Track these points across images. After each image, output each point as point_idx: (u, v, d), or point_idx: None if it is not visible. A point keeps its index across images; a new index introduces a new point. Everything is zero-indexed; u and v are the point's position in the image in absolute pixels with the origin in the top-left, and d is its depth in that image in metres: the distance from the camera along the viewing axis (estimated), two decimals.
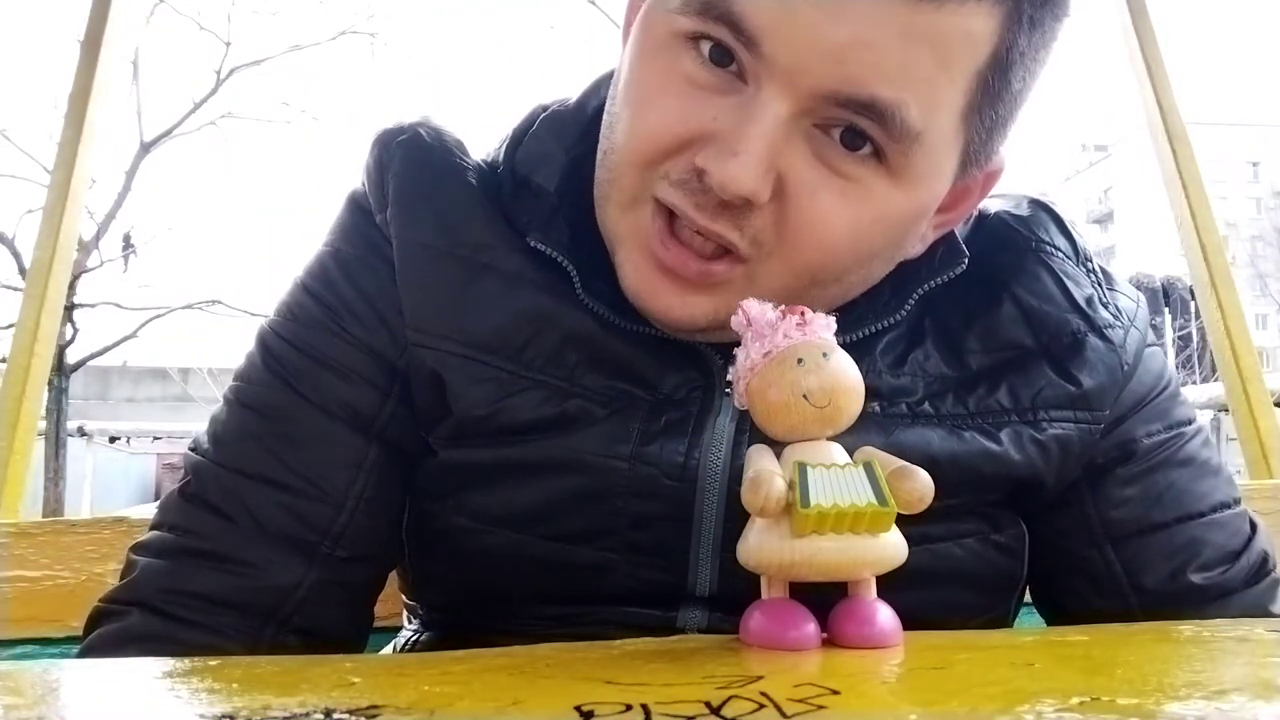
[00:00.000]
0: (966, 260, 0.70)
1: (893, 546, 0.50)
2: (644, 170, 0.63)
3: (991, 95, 0.61)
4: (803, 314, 0.54)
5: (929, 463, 0.60)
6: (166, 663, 0.49)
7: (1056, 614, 0.78)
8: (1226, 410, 1.53)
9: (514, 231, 0.70)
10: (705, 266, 0.62)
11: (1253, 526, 0.75)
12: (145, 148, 9.69)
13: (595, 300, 0.68)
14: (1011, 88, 0.62)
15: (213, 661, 0.48)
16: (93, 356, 9.64)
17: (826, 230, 0.61)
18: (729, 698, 0.36)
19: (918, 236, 0.68)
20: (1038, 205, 0.76)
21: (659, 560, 0.67)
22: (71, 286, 7.48)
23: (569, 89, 0.77)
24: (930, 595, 0.61)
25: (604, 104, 0.69)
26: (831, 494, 0.48)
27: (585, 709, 0.35)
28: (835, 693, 0.38)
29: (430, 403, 0.70)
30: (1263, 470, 1.43)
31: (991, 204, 0.76)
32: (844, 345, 0.55)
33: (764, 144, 0.58)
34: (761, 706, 0.35)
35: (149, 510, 0.75)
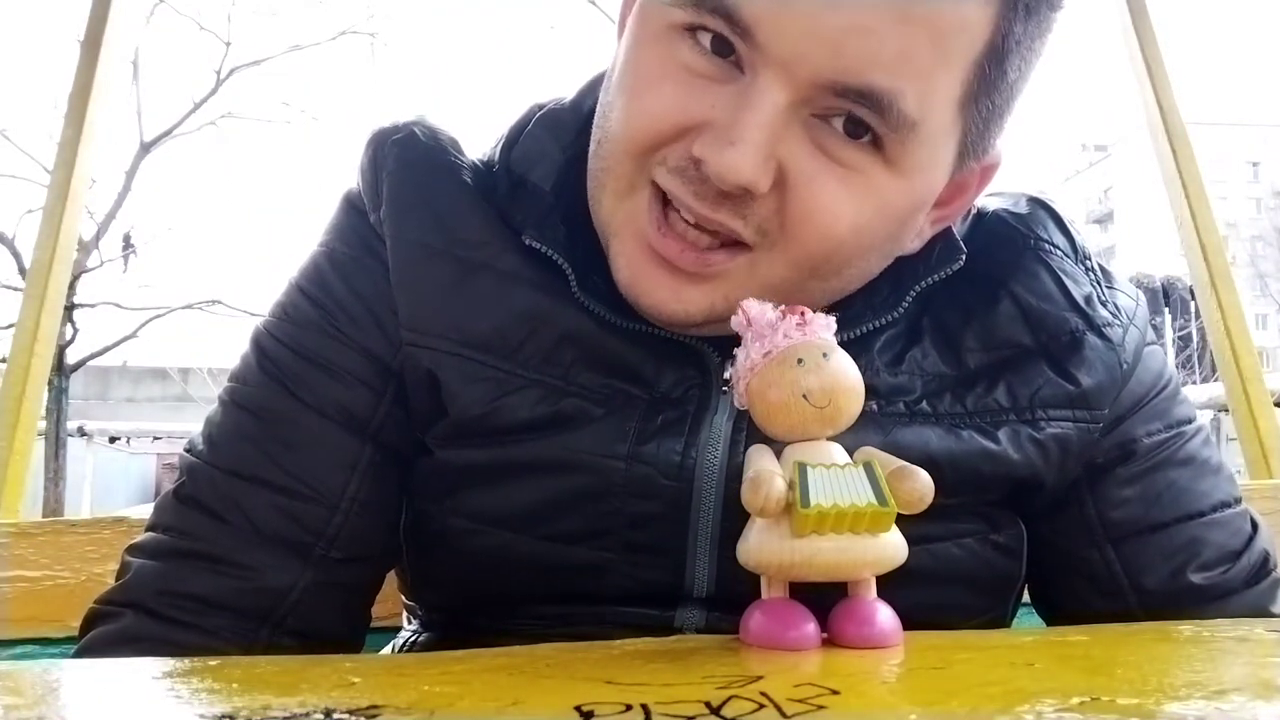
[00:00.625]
0: (964, 257, 0.70)
1: (893, 546, 0.50)
2: (640, 157, 0.63)
3: (988, 84, 0.61)
4: (803, 314, 0.54)
5: (927, 462, 0.60)
6: (166, 663, 0.49)
7: (1055, 614, 0.78)
8: (1226, 410, 1.52)
9: (509, 230, 0.70)
10: (702, 256, 0.62)
11: (1254, 525, 0.75)
12: (145, 148, 9.69)
13: (591, 298, 0.68)
14: (1008, 77, 0.62)
15: (212, 661, 0.48)
16: (93, 356, 9.64)
17: (829, 219, 0.61)
18: (729, 698, 0.36)
19: (915, 230, 0.67)
20: (1036, 203, 0.76)
21: (656, 560, 0.67)
22: (71, 286, 7.48)
23: (569, 89, 0.77)
24: (929, 595, 0.61)
25: None
26: (831, 494, 0.48)
27: (585, 709, 0.35)
28: (835, 693, 0.38)
29: (426, 403, 0.70)
30: (1263, 470, 1.43)
31: (990, 202, 0.76)
32: (842, 343, 0.55)
33: (762, 133, 0.58)
34: (761, 706, 0.35)
35: (149, 510, 0.75)
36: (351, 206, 0.74)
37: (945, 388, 0.69)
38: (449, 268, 0.69)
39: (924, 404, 0.68)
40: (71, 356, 8.83)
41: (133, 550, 0.71)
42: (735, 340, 0.56)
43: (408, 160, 0.72)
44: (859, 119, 0.59)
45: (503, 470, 0.69)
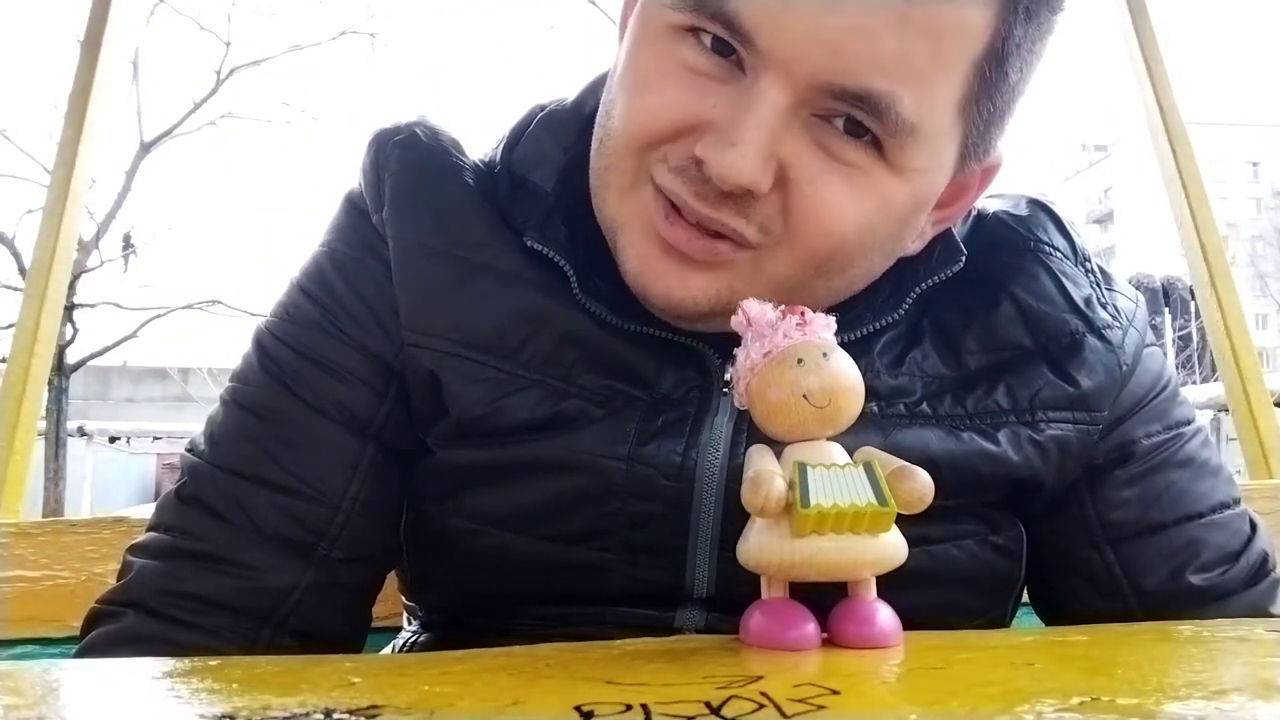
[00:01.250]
0: (964, 259, 0.70)
1: (893, 546, 0.50)
2: (642, 154, 0.63)
3: (989, 87, 0.61)
4: (803, 314, 0.54)
5: (927, 464, 0.59)
6: (166, 663, 0.49)
7: (1055, 615, 0.78)
8: (1226, 410, 1.52)
9: (510, 231, 0.70)
10: (710, 244, 0.62)
11: (1253, 526, 0.75)
12: (145, 148, 9.69)
13: (592, 300, 0.68)
14: (1009, 79, 0.62)
15: (213, 661, 0.48)
16: (93, 356, 9.64)
17: (832, 217, 0.61)
18: (729, 698, 0.36)
19: (917, 231, 0.68)
20: (1036, 205, 0.76)
21: (657, 560, 0.67)
22: (71, 286, 7.48)
23: (569, 89, 0.77)
24: (929, 597, 0.61)
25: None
26: (831, 494, 0.48)
27: (585, 709, 0.35)
28: (835, 693, 0.38)
29: (427, 403, 0.70)
30: (1263, 470, 1.43)
31: (990, 204, 0.76)
32: (843, 345, 0.55)
33: (762, 134, 0.58)
34: (761, 706, 0.35)
35: (149, 510, 0.75)
36: (353, 207, 0.74)
37: (945, 389, 0.69)
38: (450, 268, 0.69)
39: (924, 405, 0.68)
40: (71, 356, 8.83)
41: (134, 550, 0.71)
42: (735, 341, 0.56)
43: (410, 161, 0.72)
44: (858, 120, 0.59)
45: (503, 471, 0.69)
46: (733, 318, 0.56)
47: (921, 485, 0.49)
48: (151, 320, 10.15)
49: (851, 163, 0.60)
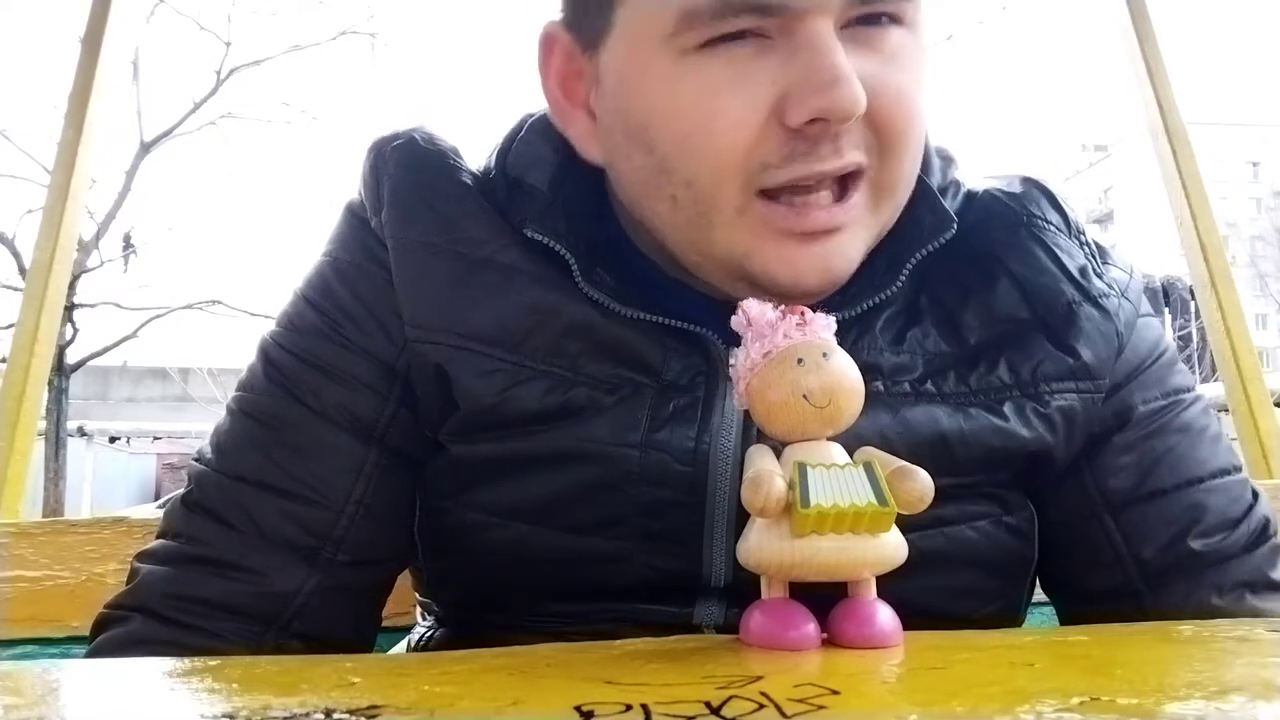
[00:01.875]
0: (955, 226, 0.71)
1: (893, 546, 0.50)
2: (740, 174, 0.63)
3: None
4: (803, 314, 0.54)
5: (939, 440, 0.59)
6: (166, 663, 0.49)
7: (1059, 592, 0.78)
8: (1226, 410, 1.52)
9: (510, 227, 0.70)
10: (843, 205, 0.64)
11: (1254, 495, 0.74)
12: (145, 148, 9.68)
13: (595, 289, 0.68)
14: None
15: (213, 661, 0.48)
16: (93, 356, 9.62)
17: (907, 100, 0.64)
18: (729, 698, 0.36)
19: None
20: (1030, 182, 0.77)
21: (673, 547, 0.67)
22: (71, 286, 7.47)
23: None
24: (944, 579, 0.62)
25: None
26: (831, 494, 0.48)
27: (585, 709, 0.35)
28: (835, 693, 0.38)
29: (436, 400, 0.70)
30: (1263, 470, 1.43)
31: (983, 182, 0.77)
32: (843, 322, 0.56)
33: (842, 58, 0.60)
34: (761, 706, 0.35)
35: (149, 510, 0.76)
36: (353, 214, 0.75)
37: (948, 366, 0.70)
38: (452, 265, 0.70)
39: (928, 384, 0.69)
40: (71, 356, 8.82)
41: (142, 556, 0.71)
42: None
43: (408, 164, 0.73)
44: (879, 13, 0.63)
45: (516, 462, 0.69)
46: (733, 318, 0.56)
47: (922, 485, 0.49)
48: (151, 320, 10.14)
49: (891, 49, 0.64)
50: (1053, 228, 0.74)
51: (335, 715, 0.35)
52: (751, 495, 0.48)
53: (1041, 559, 0.75)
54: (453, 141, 0.75)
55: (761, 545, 0.50)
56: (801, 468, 0.50)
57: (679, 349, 0.69)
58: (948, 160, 0.77)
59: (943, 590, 0.55)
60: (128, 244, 9.77)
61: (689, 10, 0.61)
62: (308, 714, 0.35)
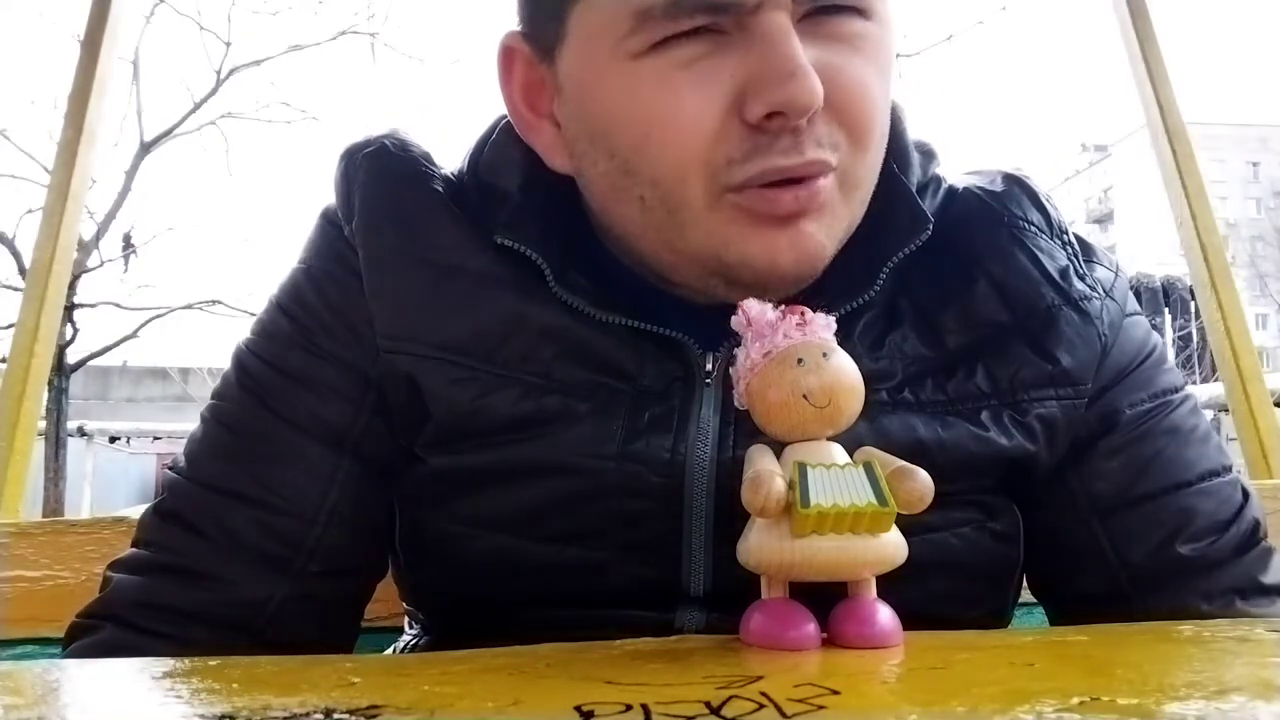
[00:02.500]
0: (931, 226, 0.70)
1: (892, 546, 0.50)
2: (706, 169, 0.62)
3: None
4: (803, 314, 0.54)
5: (918, 448, 0.58)
6: (166, 663, 0.49)
7: (1050, 598, 0.77)
8: (1226, 410, 1.52)
9: (481, 234, 0.70)
10: (812, 185, 0.62)
11: (1245, 495, 0.73)
12: (145, 148, 9.67)
13: (569, 293, 0.68)
14: None
15: (213, 661, 0.48)
16: (93, 356, 9.61)
17: (866, 90, 0.63)
18: (729, 698, 0.36)
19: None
20: (1011, 180, 0.75)
21: (651, 557, 0.67)
22: (71, 286, 7.47)
23: None
24: (929, 586, 0.61)
25: None
26: (831, 494, 0.48)
27: (585, 709, 0.35)
28: (835, 693, 0.38)
29: (409, 410, 0.70)
30: (1263, 470, 1.43)
31: (964, 179, 0.76)
32: None
33: (799, 51, 0.60)
34: (761, 706, 0.35)
35: None
36: (327, 222, 0.75)
37: (926, 373, 0.69)
38: (423, 273, 0.70)
39: (906, 392, 0.68)
40: (71, 356, 8.81)
41: (114, 566, 0.71)
42: (716, 333, 0.55)
43: (379, 172, 0.72)
44: (842, 4, 0.62)
45: (493, 474, 0.68)
46: (733, 318, 0.56)
47: (922, 485, 0.49)
48: (151, 320, 10.13)
49: (852, 38, 0.63)
50: (1033, 228, 0.72)
51: (335, 715, 0.35)
52: (751, 495, 0.48)
53: (1029, 563, 0.75)
54: (425, 147, 0.75)
55: (761, 545, 0.50)
56: (801, 468, 0.50)
57: (655, 354, 0.68)
58: (928, 156, 0.76)
59: (928, 597, 0.54)
60: (128, 244, 9.77)
61: (641, 11, 0.60)
62: (308, 714, 0.35)
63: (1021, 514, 0.73)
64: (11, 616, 0.99)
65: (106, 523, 1.03)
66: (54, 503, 7.93)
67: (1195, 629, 0.54)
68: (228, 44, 9.70)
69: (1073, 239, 0.74)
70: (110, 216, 9.47)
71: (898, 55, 0.68)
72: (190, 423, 0.78)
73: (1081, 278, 0.72)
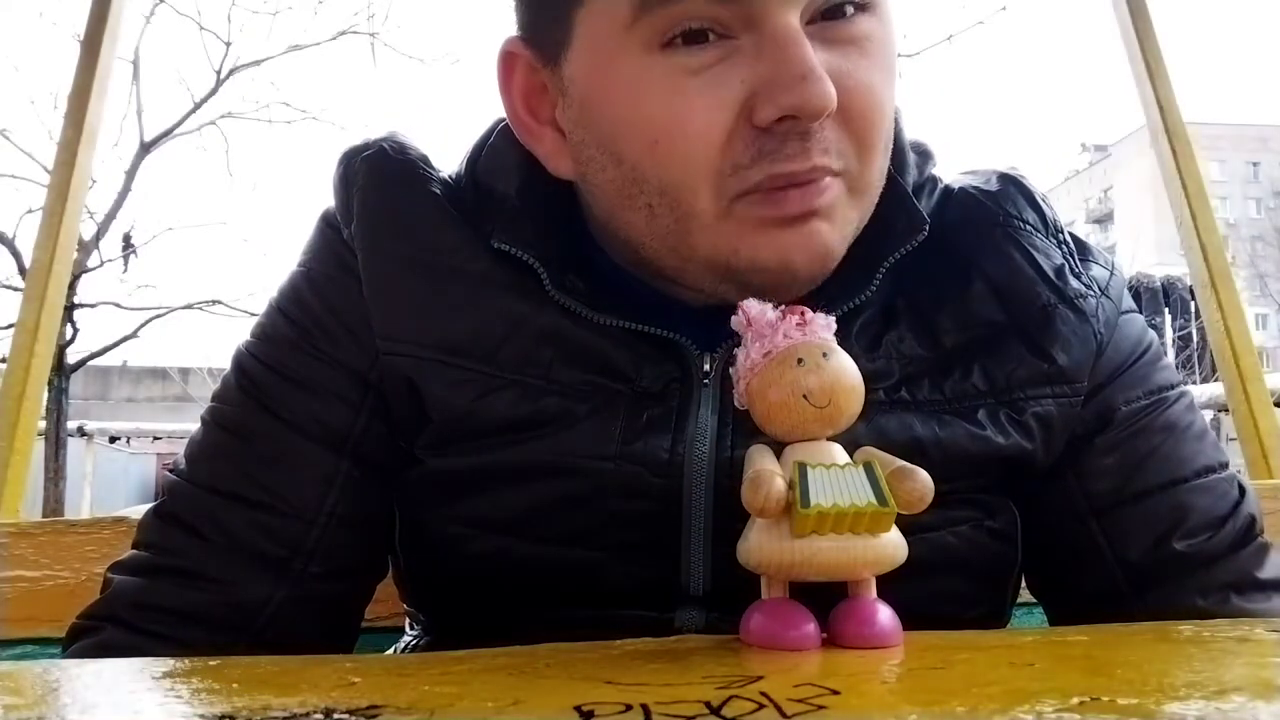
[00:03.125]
0: (927, 227, 0.70)
1: (893, 546, 0.50)
2: (715, 175, 0.62)
3: None
4: (803, 314, 0.54)
5: (915, 447, 0.58)
6: (166, 663, 0.49)
7: (1048, 596, 0.77)
8: (1226, 410, 1.52)
9: (479, 237, 0.70)
10: (818, 185, 0.63)
11: (1241, 491, 0.73)
12: (145, 148, 9.66)
13: (566, 295, 0.68)
14: None
15: (212, 661, 0.48)
16: (93, 356, 9.62)
17: (873, 97, 0.63)
18: (729, 698, 0.36)
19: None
20: (1007, 179, 0.76)
21: (651, 557, 0.67)
22: (71, 286, 7.47)
23: None
24: (927, 585, 0.61)
25: None
26: (831, 494, 0.48)
27: (585, 709, 0.35)
28: (835, 693, 0.38)
29: (408, 412, 0.70)
30: (1263, 470, 1.43)
31: (960, 179, 0.76)
32: None
33: (810, 53, 0.60)
34: (761, 706, 0.35)
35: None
36: (327, 225, 0.75)
37: (923, 373, 0.69)
38: (422, 276, 0.70)
39: (903, 391, 0.68)
40: (71, 356, 8.80)
41: (115, 567, 0.72)
42: (712, 333, 0.55)
43: (377, 175, 0.73)
44: (849, 1, 0.62)
45: (493, 476, 0.69)
46: (733, 318, 0.56)
47: (922, 485, 0.49)
48: (151, 320, 10.13)
49: (858, 38, 0.63)
50: (1029, 227, 0.73)
51: (335, 715, 0.35)
52: (751, 495, 0.48)
53: (1027, 562, 0.75)
54: (424, 149, 0.75)
55: (761, 545, 0.50)
56: (801, 468, 0.50)
57: (652, 356, 0.68)
58: (924, 156, 0.76)
59: (926, 596, 0.54)
60: (128, 244, 9.76)
61: None
62: (308, 714, 0.35)
63: (1019, 513, 0.73)
64: (11, 616, 0.99)
65: (106, 523, 1.03)
66: (54, 503, 7.93)
67: (1195, 629, 0.54)
68: (228, 44, 9.70)
69: (1068, 238, 0.74)
70: (110, 216, 9.47)
71: (898, 55, 0.67)
72: (190, 423, 0.79)
73: (1077, 276, 0.72)
